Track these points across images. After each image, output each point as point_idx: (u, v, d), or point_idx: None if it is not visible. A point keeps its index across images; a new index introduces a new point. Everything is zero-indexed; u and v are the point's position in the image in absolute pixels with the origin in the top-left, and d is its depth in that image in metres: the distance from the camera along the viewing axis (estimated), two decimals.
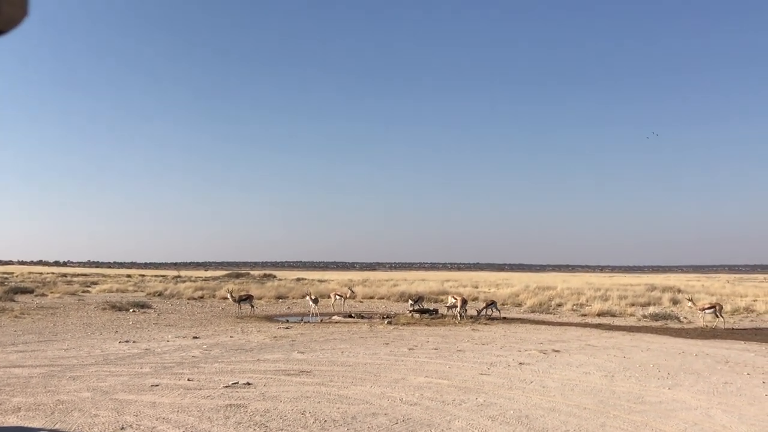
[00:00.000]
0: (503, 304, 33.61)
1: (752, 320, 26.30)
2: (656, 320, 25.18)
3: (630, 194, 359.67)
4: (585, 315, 28.23)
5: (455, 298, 26.66)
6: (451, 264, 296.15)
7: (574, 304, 32.22)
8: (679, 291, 41.61)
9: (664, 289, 44.07)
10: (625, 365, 13.58)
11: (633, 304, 31.50)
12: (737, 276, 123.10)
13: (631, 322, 25.21)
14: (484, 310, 25.61)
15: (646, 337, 19.55)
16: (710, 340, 19.12)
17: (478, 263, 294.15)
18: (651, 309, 28.03)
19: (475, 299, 34.21)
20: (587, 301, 33.52)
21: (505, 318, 26.37)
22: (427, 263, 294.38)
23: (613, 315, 28.03)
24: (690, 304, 25.75)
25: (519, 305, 33.13)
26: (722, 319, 23.58)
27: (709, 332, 21.34)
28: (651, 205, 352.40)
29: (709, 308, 24.25)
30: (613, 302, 32.11)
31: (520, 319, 26.44)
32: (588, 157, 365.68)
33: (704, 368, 13.33)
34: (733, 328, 22.74)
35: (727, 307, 29.57)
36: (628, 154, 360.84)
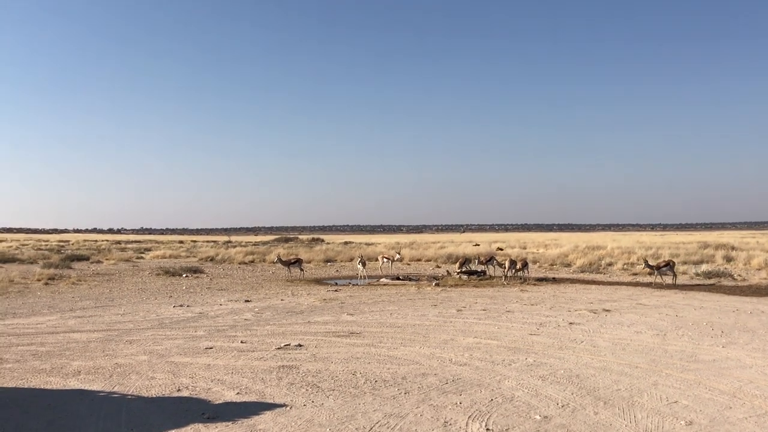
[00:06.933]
0: (552, 264, 33.39)
1: None
2: (709, 278, 24.74)
3: (679, 150, 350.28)
4: (636, 274, 27.83)
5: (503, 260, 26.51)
6: (498, 225, 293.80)
7: (624, 264, 31.76)
8: (733, 248, 40.55)
9: (717, 247, 42.99)
10: (677, 324, 13.39)
11: (685, 262, 30.87)
12: None
13: (683, 280, 24.78)
14: (522, 270, 25.38)
15: (699, 295, 19.23)
16: (765, 297, 18.70)
17: (525, 224, 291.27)
18: (704, 267, 27.48)
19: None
20: (638, 260, 33.00)
21: (554, 278, 26.21)
22: (474, 225, 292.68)
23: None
24: (643, 266, 25.67)
25: (568, 265, 32.82)
26: (674, 276, 23.74)
27: (764, 290, 20.87)
28: (702, 160, 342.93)
29: (664, 266, 23.97)
30: (665, 261, 31.50)
31: (569, 279, 26.25)
32: (633, 113, 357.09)
33: (759, 326, 13.07)
34: None
35: None
36: (676, 107, 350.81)
